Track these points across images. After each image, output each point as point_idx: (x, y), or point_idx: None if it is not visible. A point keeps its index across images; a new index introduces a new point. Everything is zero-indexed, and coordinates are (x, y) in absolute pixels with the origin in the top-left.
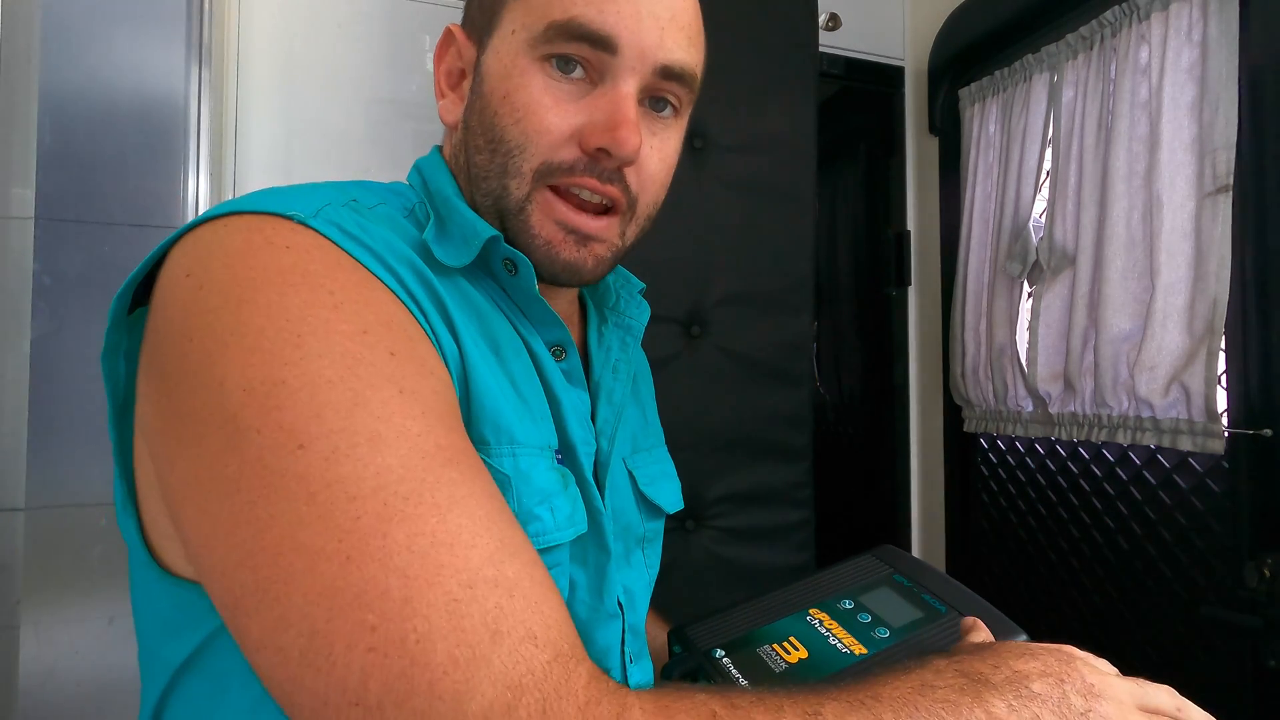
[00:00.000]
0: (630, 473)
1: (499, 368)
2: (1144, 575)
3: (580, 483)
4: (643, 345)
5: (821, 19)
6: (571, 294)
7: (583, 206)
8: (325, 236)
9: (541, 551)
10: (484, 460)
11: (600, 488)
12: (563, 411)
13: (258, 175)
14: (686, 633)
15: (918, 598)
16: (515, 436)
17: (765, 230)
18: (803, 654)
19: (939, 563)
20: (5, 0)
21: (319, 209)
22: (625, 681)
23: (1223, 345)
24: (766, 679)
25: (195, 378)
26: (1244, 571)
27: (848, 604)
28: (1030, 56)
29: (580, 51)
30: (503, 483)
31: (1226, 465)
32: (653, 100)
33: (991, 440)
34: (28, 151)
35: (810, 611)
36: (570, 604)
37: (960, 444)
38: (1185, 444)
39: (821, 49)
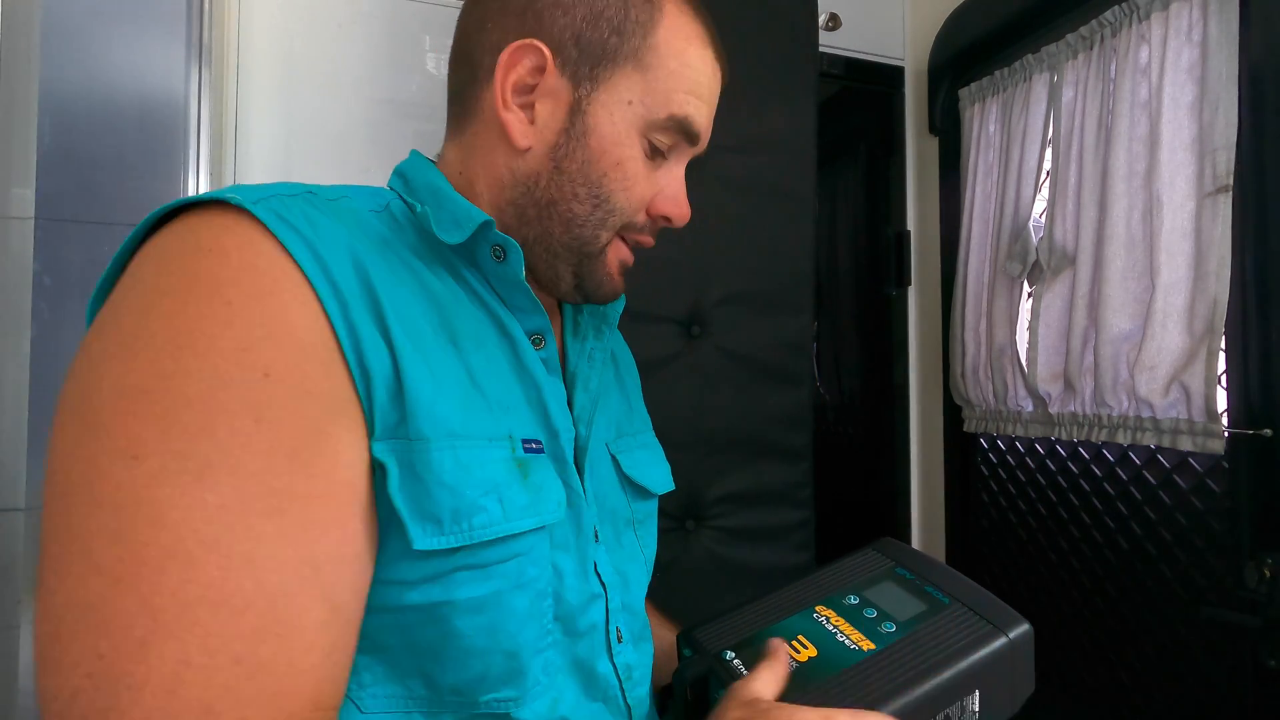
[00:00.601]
0: (614, 457)
1: (452, 360)
2: (1144, 575)
3: (562, 470)
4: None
5: (821, 19)
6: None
7: (632, 250)
8: (263, 224)
9: (493, 542)
10: (422, 455)
11: (580, 473)
12: (543, 399)
13: (258, 175)
14: (695, 635)
15: (921, 590)
16: (456, 429)
17: (765, 230)
18: (812, 652)
19: None
20: (5, 0)
21: (265, 197)
22: (611, 660)
23: (1223, 345)
24: None
25: (85, 371)
26: (1244, 571)
27: (853, 599)
28: (1030, 56)
29: (672, 140)
30: (438, 477)
31: (1226, 465)
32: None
33: (991, 440)
34: (28, 151)
35: (817, 609)
36: (560, 591)
37: (960, 444)
38: (1185, 444)
39: (821, 49)
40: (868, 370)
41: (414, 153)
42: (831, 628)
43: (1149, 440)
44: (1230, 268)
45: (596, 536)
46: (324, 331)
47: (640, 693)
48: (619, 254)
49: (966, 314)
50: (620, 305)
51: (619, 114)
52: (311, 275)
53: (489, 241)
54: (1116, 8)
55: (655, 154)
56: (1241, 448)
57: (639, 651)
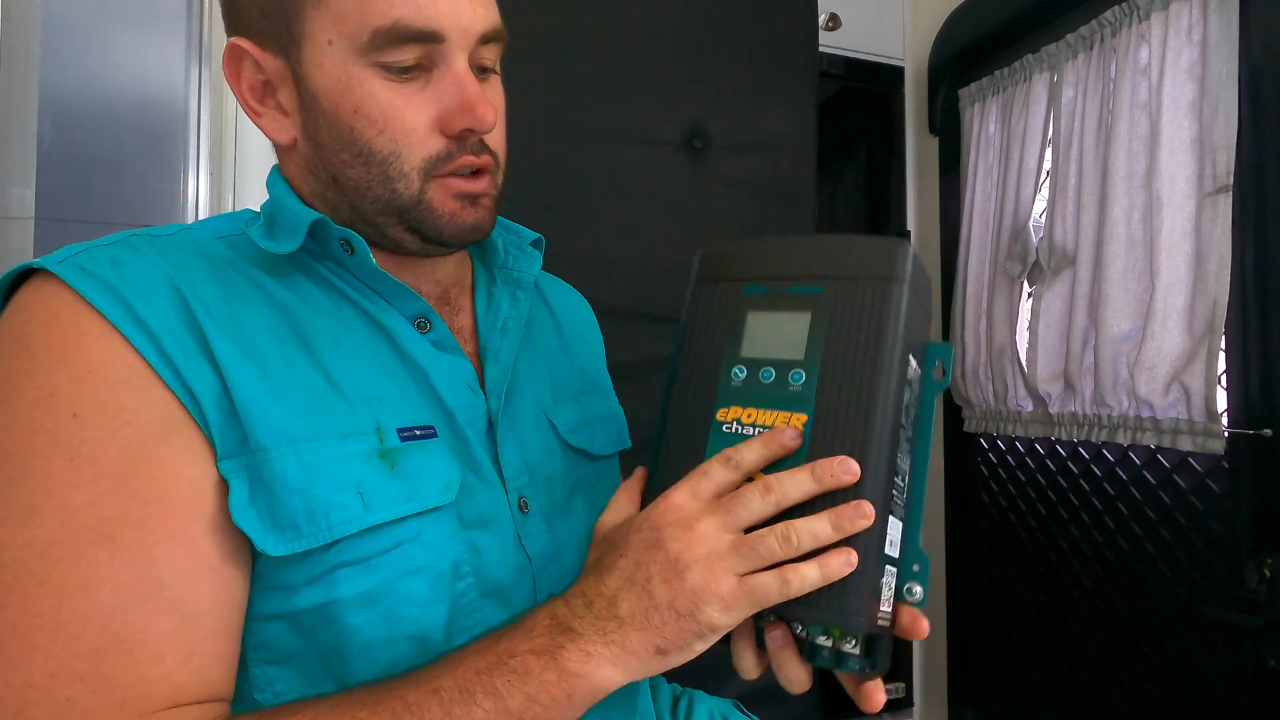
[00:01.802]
0: (551, 423)
1: (302, 364)
2: (1144, 575)
3: (461, 449)
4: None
5: (821, 19)
6: (455, 261)
7: (466, 177)
8: (64, 281)
9: (360, 534)
10: (265, 464)
11: (495, 447)
12: (431, 382)
13: (258, 175)
14: None
15: (788, 297)
16: (297, 434)
17: (765, 230)
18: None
19: (938, 563)
20: (5, 0)
21: (74, 254)
22: None
23: (1223, 345)
24: None
25: None
26: (1244, 572)
27: (739, 373)
28: (1030, 56)
29: (411, 53)
30: (283, 482)
31: (1226, 465)
32: (478, 68)
33: (991, 440)
34: (28, 151)
35: (718, 416)
36: (481, 568)
37: (960, 444)
38: (1185, 444)
39: (821, 49)
40: None
41: (273, 167)
42: (752, 429)
43: (1149, 440)
44: (1230, 268)
45: (525, 507)
46: (135, 364)
47: None
48: (449, 190)
49: (966, 314)
50: (534, 266)
51: (327, 61)
52: (110, 315)
53: (334, 237)
54: (1116, 8)
55: (404, 73)
56: (1241, 448)
57: None
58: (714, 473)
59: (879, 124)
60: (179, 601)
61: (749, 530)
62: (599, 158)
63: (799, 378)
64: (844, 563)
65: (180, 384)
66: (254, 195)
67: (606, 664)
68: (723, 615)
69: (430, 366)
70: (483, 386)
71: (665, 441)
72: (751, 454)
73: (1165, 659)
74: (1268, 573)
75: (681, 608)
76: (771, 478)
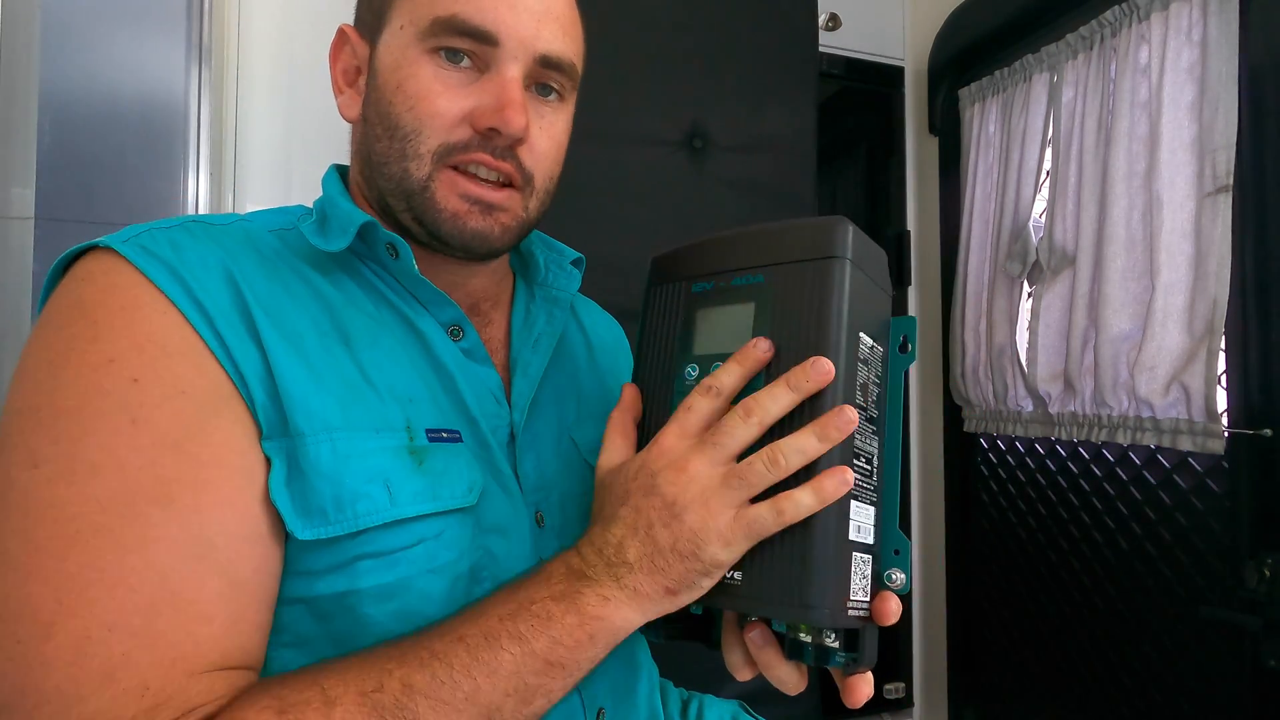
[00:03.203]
0: (573, 440)
1: (341, 358)
2: (1144, 575)
3: (484, 456)
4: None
5: (821, 19)
6: (490, 273)
7: (482, 181)
8: (125, 257)
9: (384, 527)
10: (301, 448)
11: (515, 459)
12: (459, 389)
13: (258, 175)
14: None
15: (735, 290)
16: (333, 423)
17: None
18: None
19: (939, 563)
20: (5, 0)
21: (136, 234)
22: None
23: (1223, 345)
24: None
25: (3, 398)
26: (1244, 572)
27: (693, 372)
28: (1030, 56)
29: (464, 45)
30: (316, 468)
31: (1226, 465)
32: (539, 86)
33: (991, 440)
34: (28, 151)
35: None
36: (497, 575)
37: (960, 444)
38: (1185, 444)
39: (821, 49)
40: None
41: (331, 166)
42: None
43: (1149, 440)
44: (1230, 268)
45: (541, 521)
46: (190, 338)
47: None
48: (454, 187)
49: (966, 314)
50: (573, 285)
51: (394, 42)
52: (169, 291)
53: (380, 240)
54: (1116, 8)
55: (453, 62)
56: (1241, 448)
57: None
58: (697, 405)
59: (879, 124)
60: (228, 564)
61: (741, 459)
62: (599, 158)
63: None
64: (839, 482)
65: (230, 362)
66: (254, 195)
67: (623, 606)
68: (724, 551)
69: (459, 373)
70: (508, 399)
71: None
72: (729, 376)
73: (1165, 659)
74: (1268, 573)
75: (684, 549)
76: (749, 399)
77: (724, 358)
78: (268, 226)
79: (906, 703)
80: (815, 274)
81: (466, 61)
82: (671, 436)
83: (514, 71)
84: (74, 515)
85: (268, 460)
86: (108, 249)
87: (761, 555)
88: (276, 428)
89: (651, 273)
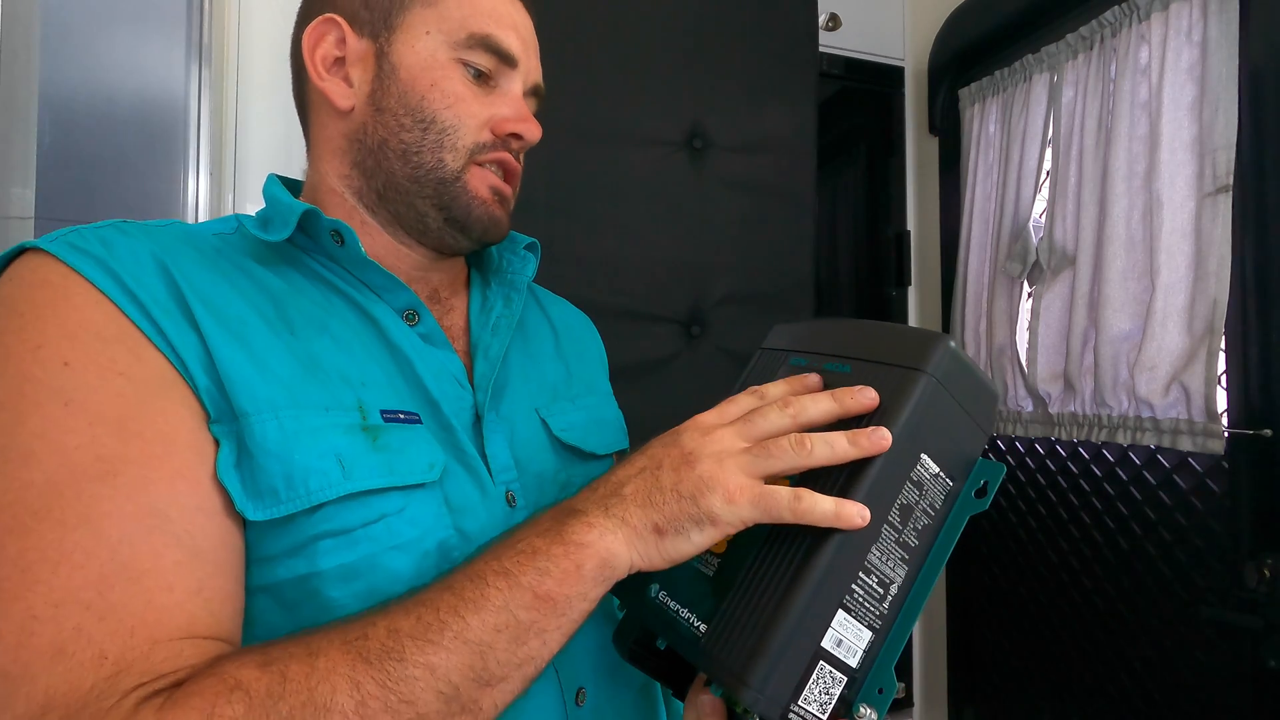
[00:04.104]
0: (543, 420)
1: (286, 345)
2: (1144, 575)
3: (447, 438)
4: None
5: (821, 19)
6: (445, 268)
7: (500, 177)
8: (55, 256)
9: (339, 501)
10: (247, 429)
11: (482, 440)
12: (417, 372)
13: (258, 175)
14: (622, 583)
15: (824, 374)
16: (279, 402)
17: (765, 230)
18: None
19: None
20: (5, 0)
21: (65, 234)
22: None
23: (1223, 345)
24: (703, 595)
25: None
26: (1244, 572)
27: None
28: (1030, 56)
29: (488, 62)
30: (263, 446)
31: (1226, 465)
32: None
33: (991, 440)
34: (28, 151)
35: None
36: (469, 554)
37: None
38: (1185, 444)
39: (821, 49)
40: None
41: (270, 174)
42: None
43: (1149, 440)
44: (1230, 268)
45: (513, 501)
46: (126, 326)
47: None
48: (484, 180)
49: (966, 314)
50: (528, 268)
51: (420, 44)
52: (101, 284)
53: (324, 228)
54: (1116, 8)
55: (479, 77)
56: (1241, 448)
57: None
58: (740, 399)
59: (879, 124)
60: (185, 535)
61: None
62: (599, 158)
63: None
64: (857, 513)
65: (170, 348)
66: (254, 195)
67: (608, 534)
68: (724, 507)
69: (417, 358)
70: (471, 382)
71: None
72: (776, 389)
73: (1165, 659)
74: (1267, 573)
75: (684, 490)
76: (791, 395)
77: None
78: (209, 230)
79: (906, 703)
80: (894, 380)
81: (482, 77)
82: (709, 416)
83: (521, 90)
84: (10, 503)
85: (217, 443)
86: (36, 250)
87: (731, 617)
88: (224, 412)
89: (768, 337)
